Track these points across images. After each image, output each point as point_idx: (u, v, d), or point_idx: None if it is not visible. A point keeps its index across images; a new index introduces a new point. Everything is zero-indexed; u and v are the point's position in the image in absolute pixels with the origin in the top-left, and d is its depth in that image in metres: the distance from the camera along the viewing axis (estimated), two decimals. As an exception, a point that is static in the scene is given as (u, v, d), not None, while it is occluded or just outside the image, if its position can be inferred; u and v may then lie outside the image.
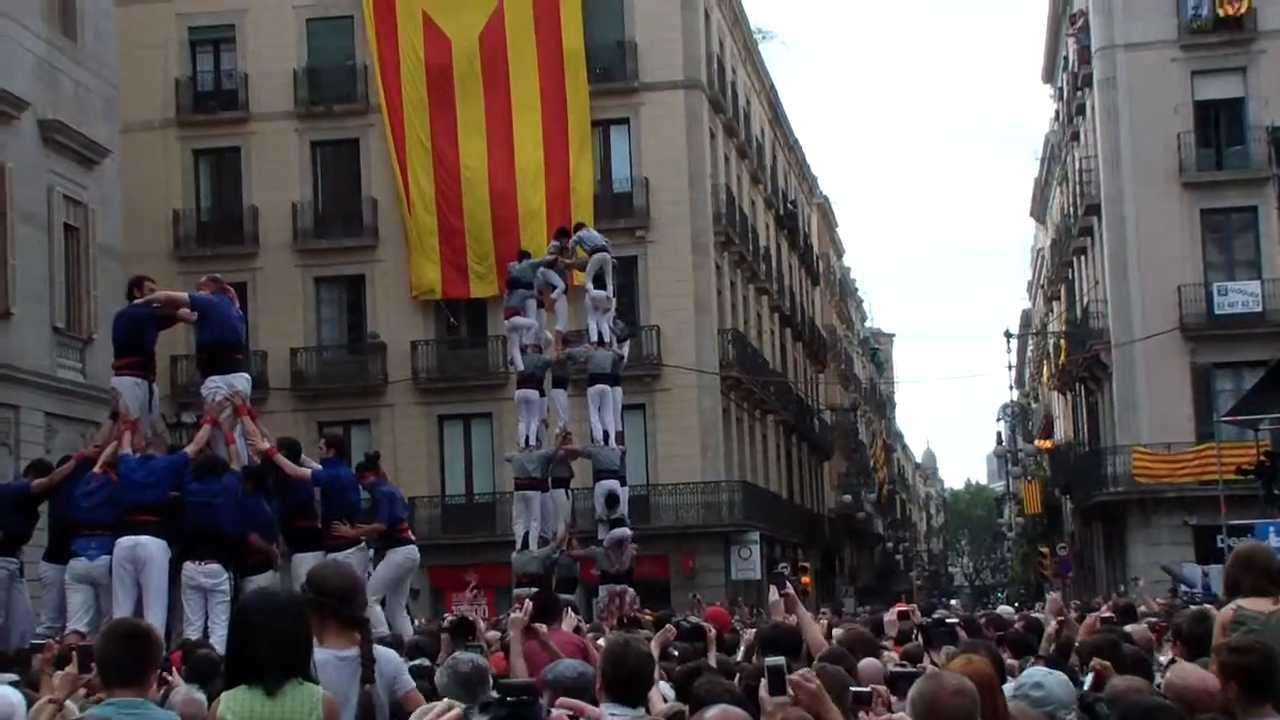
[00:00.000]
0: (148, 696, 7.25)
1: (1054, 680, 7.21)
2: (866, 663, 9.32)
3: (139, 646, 7.34)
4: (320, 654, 7.37)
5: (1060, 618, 13.69)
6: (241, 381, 16.90)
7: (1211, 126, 49.89)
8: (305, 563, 15.71)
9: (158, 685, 8.12)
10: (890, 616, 14.04)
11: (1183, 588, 34.49)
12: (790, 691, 6.21)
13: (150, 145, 49.60)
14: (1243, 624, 9.15)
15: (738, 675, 9.33)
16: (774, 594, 9.38)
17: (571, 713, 2.43)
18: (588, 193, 48.60)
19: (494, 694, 2.02)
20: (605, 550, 24.80)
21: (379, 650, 7.98)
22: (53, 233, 36.58)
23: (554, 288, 26.25)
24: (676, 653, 11.49)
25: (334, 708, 7.00)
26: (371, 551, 17.88)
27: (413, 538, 18.17)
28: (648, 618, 18.45)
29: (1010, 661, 10.07)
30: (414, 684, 8.06)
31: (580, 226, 28.22)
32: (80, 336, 37.33)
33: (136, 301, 16.71)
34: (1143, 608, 14.98)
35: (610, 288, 25.94)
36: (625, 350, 27.08)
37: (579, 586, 25.83)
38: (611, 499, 25.05)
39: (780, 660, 6.55)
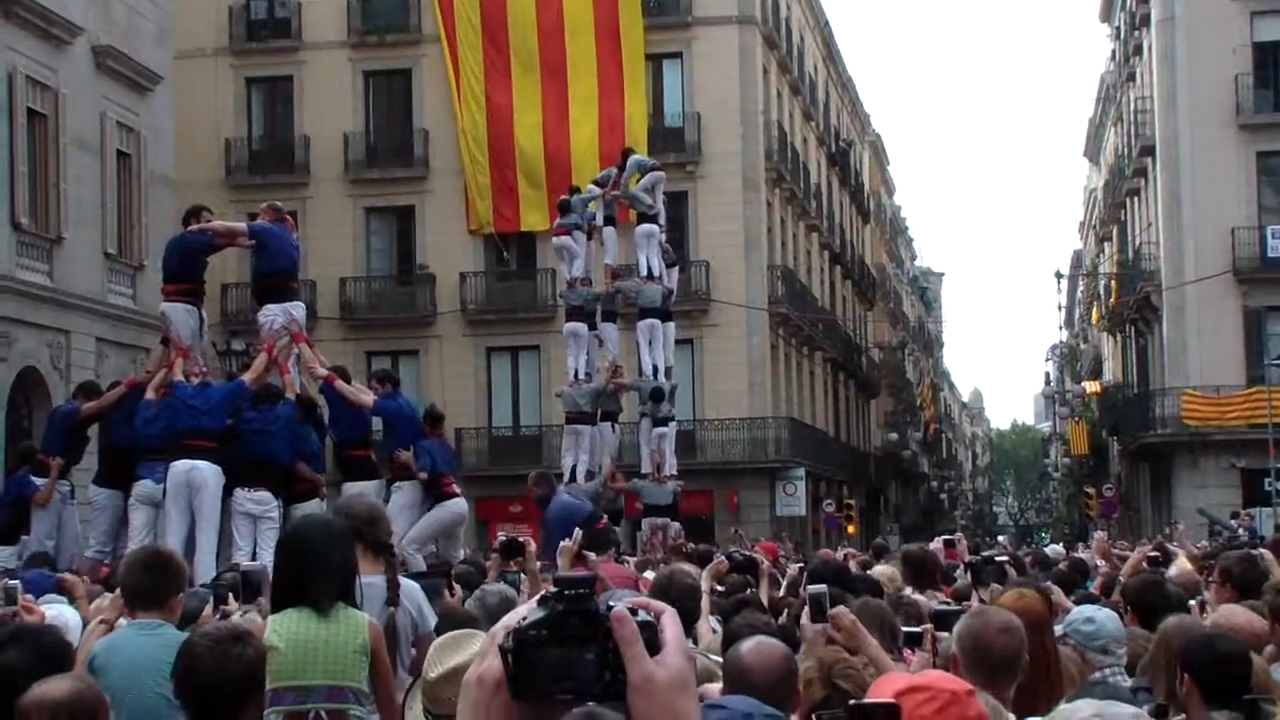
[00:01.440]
0: (169, 619, 7.38)
1: (1104, 615, 7.22)
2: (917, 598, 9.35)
3: (158, 572, 7.53)
4: None
5: (1107, 557, 13.71)
6: (298, 310, 16.83)
7: (1269, 68, 49.42)
8: (357, 490, 15.80)
9: (215, 609, 8.22)
10: (936, 545, 14.05)
11: (1221, 530, 34.39)
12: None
13: (203, 73, 49.64)
14: None
15: (785, 610, 9.38)
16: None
17: (635, 606, 2.46)
18: (641, 126, 48.41)
19: (551, 588, 2.03)
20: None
21: (404, 581, 8.11)
22: (105, 159, 36.74)
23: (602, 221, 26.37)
24: (722, 587, 11.54)
25: (379, 633, 7.16)
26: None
27: (458, 491, 17.96)
28: (687, 549, 18.52)
29: (1058, 600, 10.07)
30: (432, 625, 8.05)
31: (630, 152, 28.13)
32: (131, 263, 37.54)
33: (194, 228, 16.66)
34: (1181, 551, 14.93)
35: (660, 205, 26.16)
36: (674, 277, 27.09)
37: (623, 519, 25.92)
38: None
39: (822, 588, 6.59)
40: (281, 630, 6.87)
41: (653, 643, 2.31)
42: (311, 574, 6.99)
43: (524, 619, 2.35)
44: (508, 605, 8.43)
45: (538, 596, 2.39)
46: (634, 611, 2.32)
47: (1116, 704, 4.38)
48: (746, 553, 12.73)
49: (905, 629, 7.44)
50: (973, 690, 4.52)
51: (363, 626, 7.00)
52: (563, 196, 27.60)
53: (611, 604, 2.33)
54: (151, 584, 7.47)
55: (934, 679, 4.54)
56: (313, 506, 16.11)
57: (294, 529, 7.62)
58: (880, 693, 4.42)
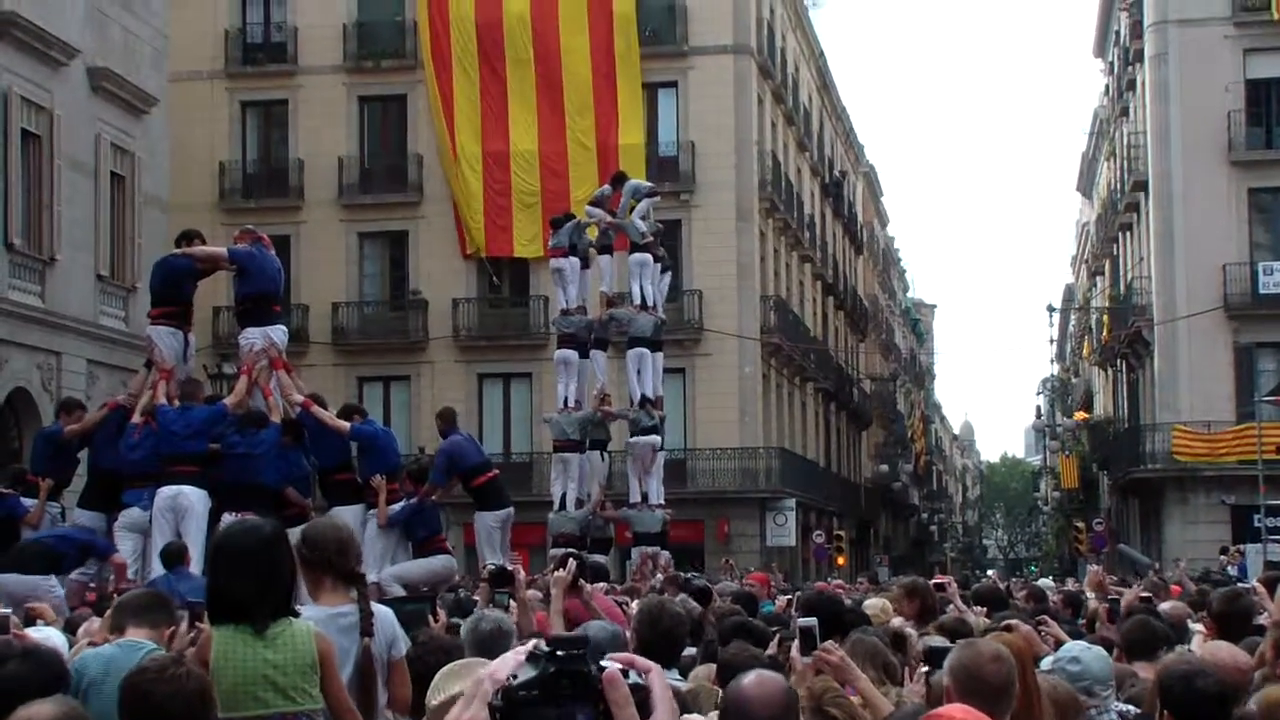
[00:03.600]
0: (160, 642, 7.34)
1: (1091, 655, 7.20)
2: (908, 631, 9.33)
3: (157, 592, 7.49)
4: (315, 611, 7.26)
5: (1102, 592, 13.69)
6: (278, 334, 16.93)
7: (1262, 105, 49.53)
8: (345, 516, 15.82)
9: (191, 627, 8.19)
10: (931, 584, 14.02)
11: (1139, 568, 34.77)
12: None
13: (198, 96, 49.67)
14: None
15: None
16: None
17: (624, 666, 2.43)
18: (638, 156, 48.44)
19: (544, 646, 2.00)
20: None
21: (377, 608, 7.90)
22: (99, 181, 36.74)
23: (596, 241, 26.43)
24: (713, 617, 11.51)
25: (327, 644, 6.88)
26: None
27: (450, 548, 18.03)
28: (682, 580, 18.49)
29: (1054, 632, 10.06)
30: (404, 651, 7.82)
31: (624, 176, 28.17)
32: (124, 285, 37.51)
33: (176, 252, 16.74)
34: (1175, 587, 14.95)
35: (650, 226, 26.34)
36: (665, 284, 27.07)
37: (613, 548, 25.89)
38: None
39: (812, 621, 6.58)
40: (226, 651, 6.62)
41: (644, 705, 2.30)
42: (248, 588, 6.72)
43: (514, 677, 2.33)
44: (501, 633, 8.40)
45: (527, 651, 2.36)
46: (625, 673, 2.30)
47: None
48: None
49: (931, 644, 7.41)
50: None
51: (309, 640, 6.74)
52: (555, 216, 27.72)
53: (603, 665, 2.31)
54: (146, 598, 7.46)
55: (952, 711, 4.55)
56: (302, 532, 16.04)
57: (222, 538, 7.25)
58: None
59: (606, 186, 27.57)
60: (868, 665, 7.03)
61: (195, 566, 15.01)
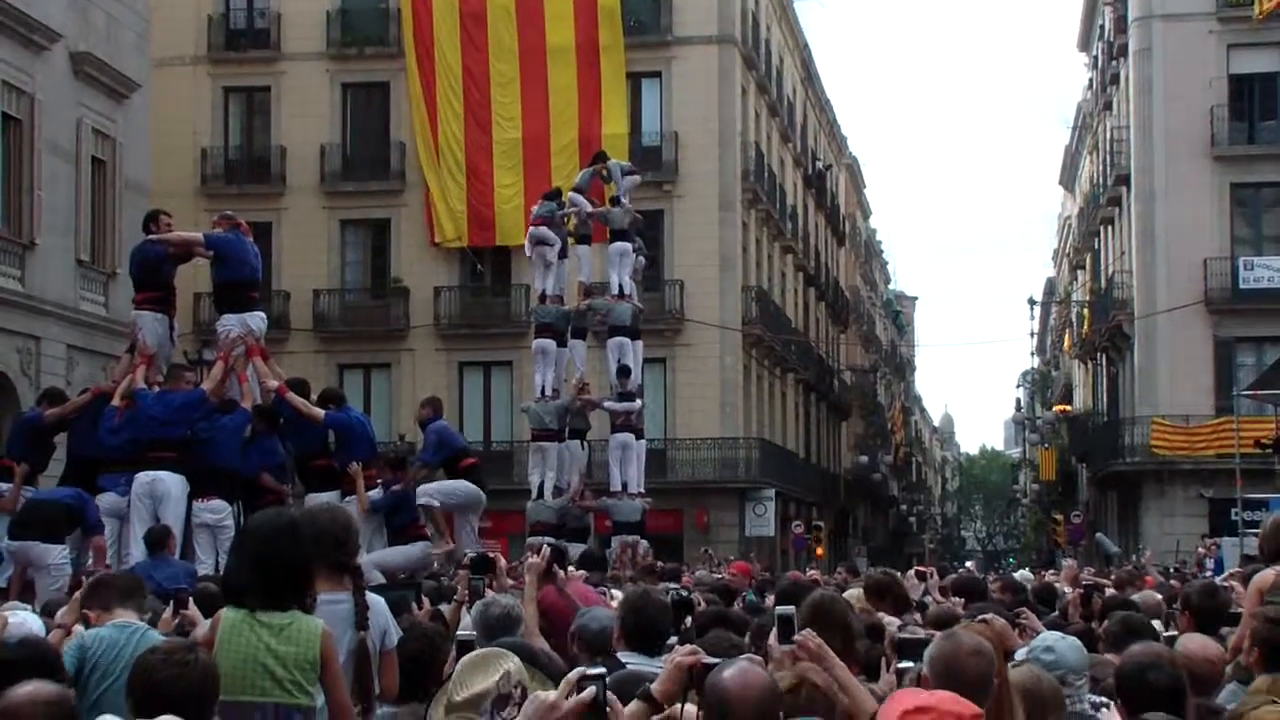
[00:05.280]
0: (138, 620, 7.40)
1: (1066, 645, 7.20)
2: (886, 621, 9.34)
3: (133, 578, 7.55)
4: None
5: (1076, 585, 13.70)
6: (256, 320, 16.93)
7: (1245, 100, 49.66)
8: (319, 502, 15.84)
9: (175, 615, 8.24)
10: (910, 576, 14.04)
11: (1110, 558, 35.04)
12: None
13: (180, 81, 49.56)
14: None
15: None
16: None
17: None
18: (621, 146, 48.31)
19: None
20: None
21: (371, 599, 7.91)
22: (80, 166, 36.63)
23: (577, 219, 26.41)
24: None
25: (331, 642, 6.93)
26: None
27: (429, 534, 18.16)
28: (657, 569, 18.54)
29: (1030, 623, 10.07)
30: (395, 642, 7.92)
31: (604, 156, 28.15)
32: (104, 270, 37.42)
33: (150, 238, 16.74)
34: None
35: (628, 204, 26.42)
36: (642, 263, 27.07)
37: (591, 537, 25.88)
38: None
39: (790, 609, 6.58)
40: (233, 635, 6.71)
41: None
42: (258, 576, 6.83)
43: None
44: (510, 619, 8.43)
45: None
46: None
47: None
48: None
49: (902, 636, 7.42)
50: (980, 714, 4.54)
51: (315, 637, 6.81)
52: (546, 192, 27.73)
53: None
54: (134, 585, 7.53)
55: (941, 699, 4.56)
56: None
57: (253, 526, 7.38)
58: (891, 712, 4.44)
59: (587, 171, 27.55)
60: (835, 634, 7.04)
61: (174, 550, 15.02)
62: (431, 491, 17.20)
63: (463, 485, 17.96)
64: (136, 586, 8.05)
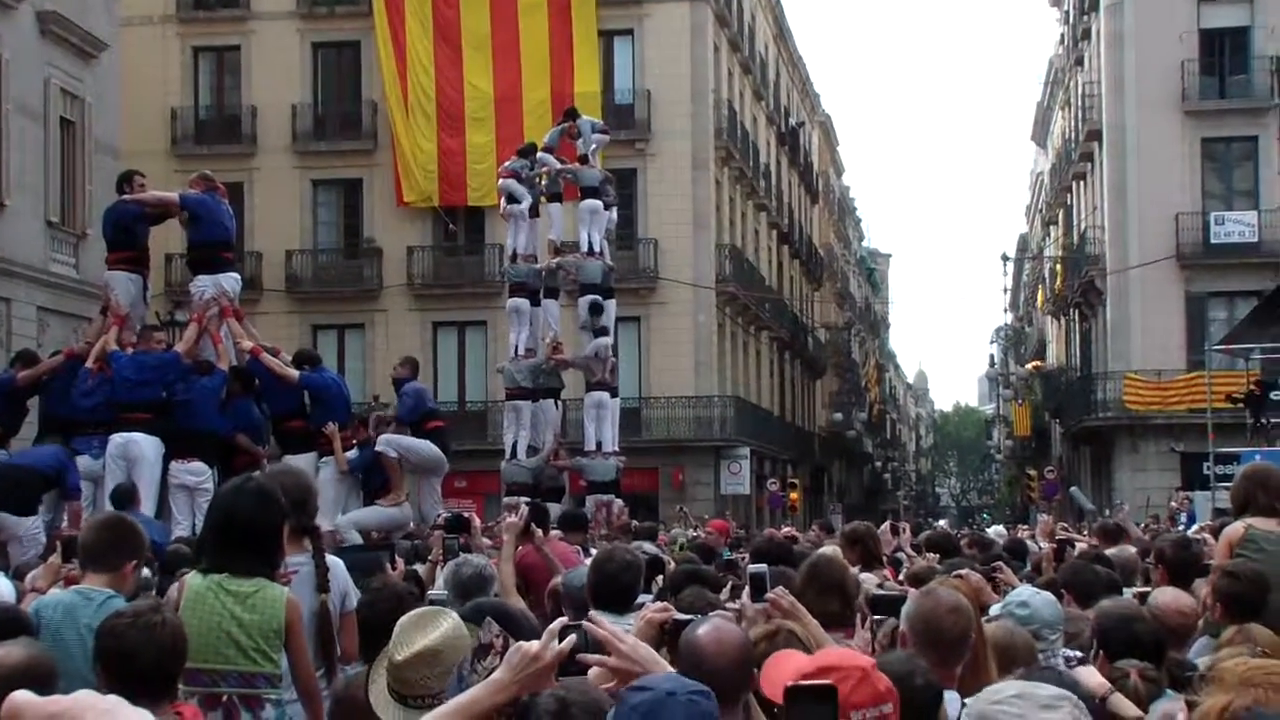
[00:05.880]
0: (123, 586, 7.32)
1: (1040, 600, 7.22)
2: (863, 577, 9.35)
3: (116, 535, 7.45)
4: None
5: (1054, 540, 13.75)
6: (229, 281, 16.89)
7: (1216, 55, 49.70)
8: (297, 464, 15.83)
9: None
10: (884, 530, 14.07)
11: (1084, 513, 35.20)
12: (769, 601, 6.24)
13: (149, 41, 49.29)
14: (1254, 542, 9.22)
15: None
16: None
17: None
18: (594, 105, 48.20)
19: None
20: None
21: (330, 561, 7.96)
22: (49, 126, 36.40)
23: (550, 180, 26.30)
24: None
25: (297, 610, 7.00)
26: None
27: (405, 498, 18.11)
28: (632, 527, 18.58)
29: (1005, 578, 10.11)
30: (355, 604, 7.91)
31: (575, 113, 27.97)
32: (74, 231, 37.22)
33: (125, 198, 16.66)
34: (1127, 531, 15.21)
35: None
36: (613, 219, 26.95)
37: (566, 497, 25.88)
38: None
39: (763, 567, 6.60)
40: (194, 608, 6.74)
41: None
42: (237, 543, 6.86)
43: None
44: (482, 578, 8.44)
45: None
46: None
47: (1039, 684, 4.45)
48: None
49: (876, 593, 7.43)
50: (875, 664, 4.56)
51: (280, 606, 6.86)
52: (521, 146, 27.59)
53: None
54: (107, 541, 7.44)
55: (841, 656, 4.56)
56: (254, 479, 16.03)
57: (226, 493, 7.39)
58: (782, 672, 4.43)
59: (555, 130, 27.41)
60: (833, 595, 7.06)
61: (149, 513, 14.99)
62: (392, 442, 17.12)
63: (426, 445, 17.85)
64: (108, 549, 7.75)
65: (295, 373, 16.90)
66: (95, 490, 15.88)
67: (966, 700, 4.74)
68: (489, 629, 5.20)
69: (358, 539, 16.13)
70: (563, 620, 4.87)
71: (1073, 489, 45.91)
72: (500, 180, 26.29)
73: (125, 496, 14.38)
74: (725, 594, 9.38)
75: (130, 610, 5.66)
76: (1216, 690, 3.86)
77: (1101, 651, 6.50)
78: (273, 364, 16.72)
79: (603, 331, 25.21)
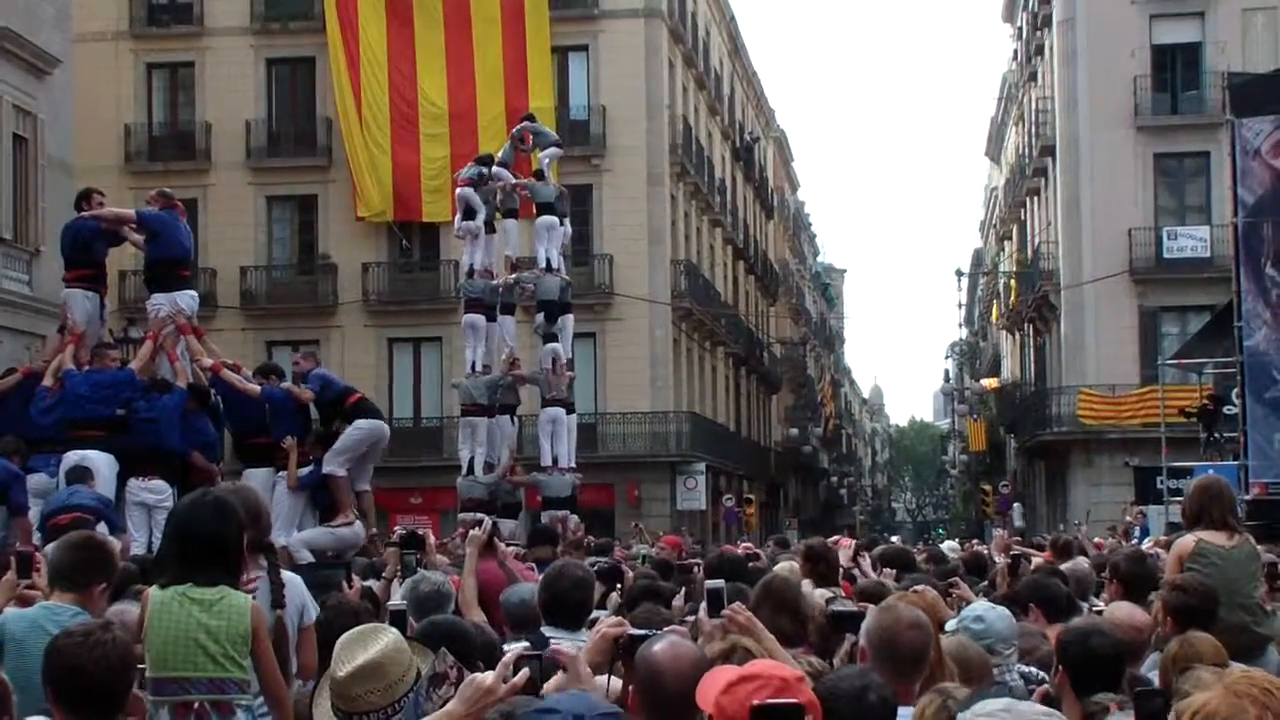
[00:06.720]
0: (91, 605, 7.30)
1: (995, 615, 7.27)
2: (817, 593, 9.36)
3: (85, 555, 7.46)
4: None
5: (1009, 555, 13.79)
6: (186, 299, 16.82)
7: (1168, 71, 50.01)
8: (256, 478, 15.78)
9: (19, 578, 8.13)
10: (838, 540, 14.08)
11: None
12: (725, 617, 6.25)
13: (103, 57, 49.05)
14: (1204, 556, 9.28)
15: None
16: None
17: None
18: (548, 120, 48.11)
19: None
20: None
21: (287, 577, 7.97)
22: (1, 143, 36.18)
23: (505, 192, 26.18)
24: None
25: (261, 616, 7.04)
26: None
27: (354, 517, 17.85)
28: (586, 543, 18.52)
29: (962, 593, 10.14)
30: (314, 618, 7.96)
31: (530, 118, 27.87)
32: (27, 249, 36.98)
33: (83, 214, 16.60)
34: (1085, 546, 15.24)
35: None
36: (567, 233, 26.86)
37: (522, 512, 25.81)
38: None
39: (720, 583, 6.61)
40: (160, 619, 6.76)
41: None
42: (198, 554, 6.88)
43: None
44: (440, 595, 8.43)
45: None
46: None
47: (1027, 703, 4.50)
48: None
49: (836, 609, 7.45)
50: (803, 676, 4.58)
51: (244, 612, 6.88)
52: (479, 155, 27.46)
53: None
54: (74, 562, 7.44)
55: (763, 667, 4.58)
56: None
57: (183, 507, 7.37)
58: (711, 686, 4.45)
59: (508, 145, 27.24)
60: (784, 614, 7.08)
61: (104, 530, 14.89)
62: (336, 459, 16.76)
63: (360, 428, 17.31)
64: (77, 569, 7.65)
65: (257, 387, 16.82)
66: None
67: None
68: (444, 659, 5.21)
69: (309, 558, 16.06)
70: (518, 649, 4.86)
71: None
72: (458, 189, 26.11)
73: (77, 475, 14.39)
74: (679, 599, 9.43)
75: (80, 629, 5.64)
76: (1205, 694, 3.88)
77: (1061, 668, 6.51)
78: (234, 379, 16.66)
79: (551, 337, 25.18)
